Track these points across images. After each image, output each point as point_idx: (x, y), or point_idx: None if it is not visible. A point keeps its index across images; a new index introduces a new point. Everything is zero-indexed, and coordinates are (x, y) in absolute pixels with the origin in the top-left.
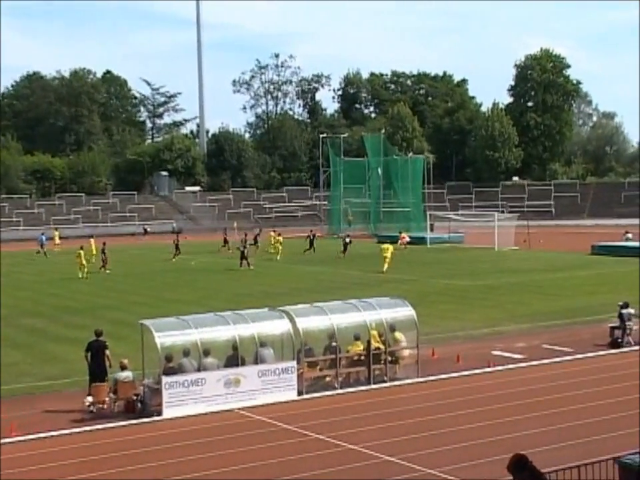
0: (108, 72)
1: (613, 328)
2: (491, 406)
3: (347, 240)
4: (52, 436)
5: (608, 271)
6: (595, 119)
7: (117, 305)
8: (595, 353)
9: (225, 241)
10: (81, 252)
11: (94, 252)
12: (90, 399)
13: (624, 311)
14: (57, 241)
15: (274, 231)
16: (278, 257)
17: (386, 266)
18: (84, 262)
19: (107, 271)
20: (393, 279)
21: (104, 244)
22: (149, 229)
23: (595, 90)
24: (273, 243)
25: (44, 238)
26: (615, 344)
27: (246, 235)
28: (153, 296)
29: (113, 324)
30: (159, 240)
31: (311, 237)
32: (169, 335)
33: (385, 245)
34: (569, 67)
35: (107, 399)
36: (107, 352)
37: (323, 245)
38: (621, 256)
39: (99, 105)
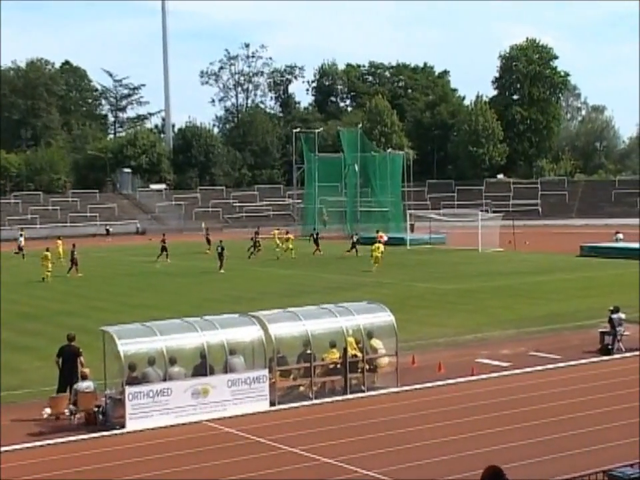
0: (67, 62)
1: (603, 334)
2: (475, 417)
3: (355, 239)
4: (9, 450)
5: (598, 274)
6: (583, 112)
7: (78, 311)
8: (585, 360)
9: (208, 242)
10: (48, 254)
11: (61, 254)
12: (48, 410)
13: (614, 316)
14: (22, 242)
15: (277, 230)
16: (293, 255)
17: (375, 266)
18: (49, 264)
19: (79, 275)
20: (371, 282)
21: (74, 246)
22: (111, 230)
23: (584, 82)
24: (280, 243)
25: (22, 238)
26: (605, 351)
27: (256, 234)
28: (116, 301)
29: (73, 331)
30: (122, 241)
31: (315, 237)
32: (132, 343)
33: (376, 245)
34: (556, 58)
35: (66, 410)
36: (81, 358)
37: (296, 247)
38: (612, 258)
39: (58, 97)
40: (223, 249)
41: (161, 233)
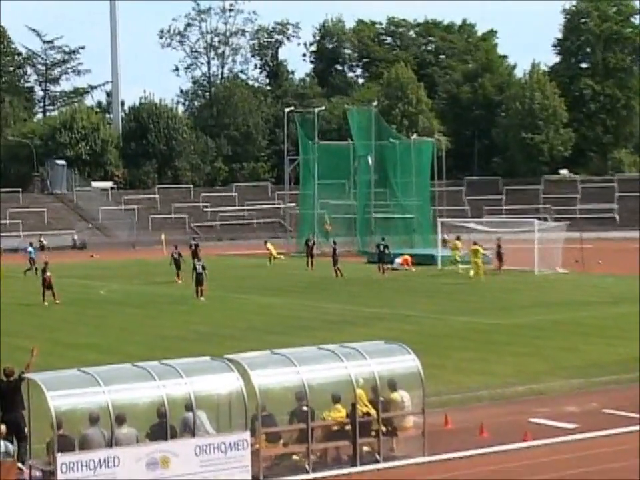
0: None
1: None
2: None
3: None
4: None
5: None
6: None
7: None
8: None
9: (195, 256)
10: None
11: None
12: None
13: None
14: None
15: (457, 237)
16: (471, 274)
17: (481, 272)
18: None
19: (57, 301)
20: (389, 315)
21: (46, 264)
22: (46, 243)
23: None
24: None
25: (32, 250)
26: None
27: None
28: (46, 338)
29: None
30: (54, 258)
31: (333, 249)
32: (67, 395)
33: (474, 247)
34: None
35: None
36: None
37: (289, 266)
38: None
39: None
40: (204, 268)
41: (108, 247)
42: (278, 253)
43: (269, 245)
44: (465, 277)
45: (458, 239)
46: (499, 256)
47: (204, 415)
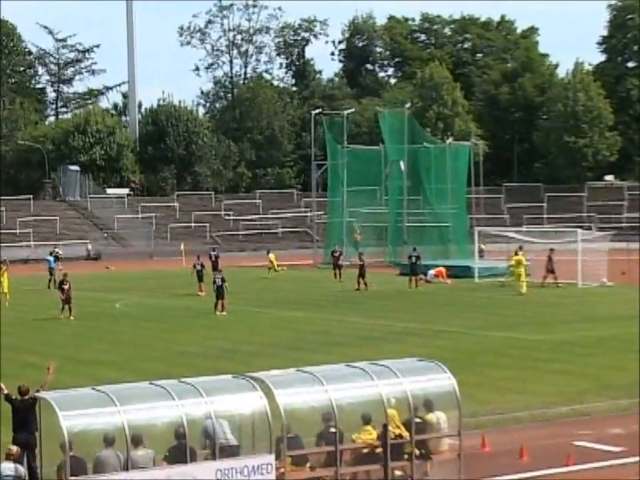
0: None
1: None
2: None
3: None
4: None
5: None
6: None
7: (3, 369)
8: None
9: (215, 268)
10: None
11: (5, 286)
12: None
13: None
14: None
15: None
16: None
17: (524, 286)
18: None
19: (71, 317)
20: (422, 330)
21: (65, 276)
22: (61, 253)
23: None
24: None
25: (52, 260)
26: None
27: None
28: (57, 355)
29: None
30: (66, 269)
31: (362, 262)
32: (80, 415)
33: (517, 257)
34: None
35: None
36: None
37: (316, 279)
38: None
39: None
40: (224, 280)
41: (123, 257)
42: (279, 265)
43: (270, 256)
44: (505, 289)
45: (520, 249)
46: (549, 269)
47: (225, 423)
